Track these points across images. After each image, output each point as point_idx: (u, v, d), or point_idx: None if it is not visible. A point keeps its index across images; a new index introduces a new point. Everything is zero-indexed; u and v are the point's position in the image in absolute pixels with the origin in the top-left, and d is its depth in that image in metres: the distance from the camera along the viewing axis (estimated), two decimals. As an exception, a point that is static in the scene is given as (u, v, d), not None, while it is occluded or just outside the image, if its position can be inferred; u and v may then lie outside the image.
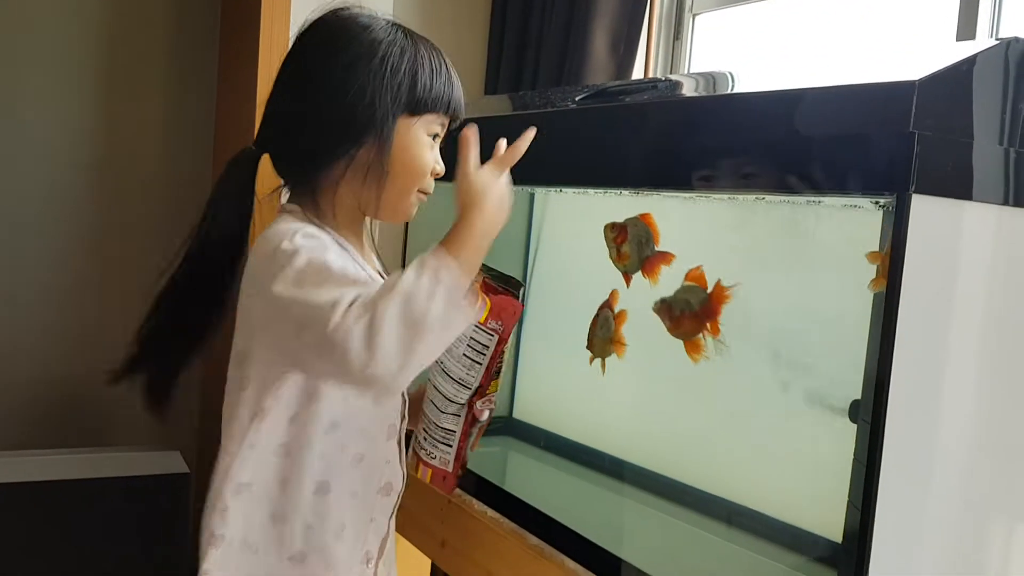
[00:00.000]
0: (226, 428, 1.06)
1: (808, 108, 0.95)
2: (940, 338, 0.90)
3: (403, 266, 0.90)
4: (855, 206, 0.94)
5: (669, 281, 1.15)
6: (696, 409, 1.28)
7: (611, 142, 1.20)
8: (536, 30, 2.08)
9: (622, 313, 1.25)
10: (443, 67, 1.07)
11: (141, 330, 1.07)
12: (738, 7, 1.92)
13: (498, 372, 1.12)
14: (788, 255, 1.12)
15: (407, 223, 1.68)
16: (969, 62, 0.88)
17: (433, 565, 1.72)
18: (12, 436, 2.37)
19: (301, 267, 0.93)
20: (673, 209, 1.20)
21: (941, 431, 0.92)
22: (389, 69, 1.02)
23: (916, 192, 0.83)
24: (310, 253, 0.95)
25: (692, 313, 1.08)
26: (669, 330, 1.12)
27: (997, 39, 0.94)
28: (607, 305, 1.21)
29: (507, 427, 1.64)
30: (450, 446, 1.13)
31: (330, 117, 1.02)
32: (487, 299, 1.08)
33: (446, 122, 1.09)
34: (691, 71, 1.99)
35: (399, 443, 1.12)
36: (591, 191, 1.38)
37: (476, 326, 1.09)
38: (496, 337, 1.09)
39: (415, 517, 1.45)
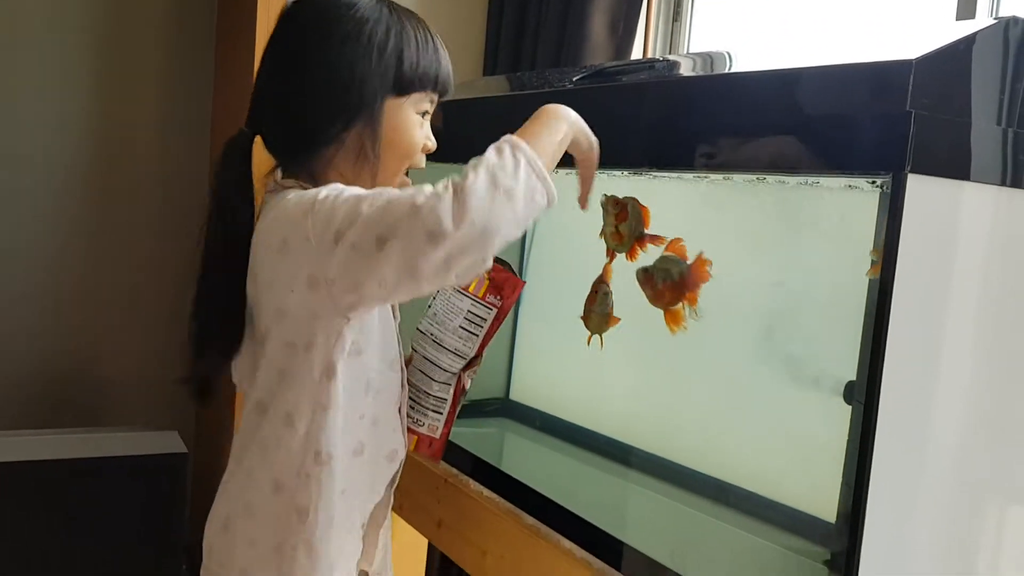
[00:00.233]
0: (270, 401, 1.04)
1: (805, 87, 0.95)
2: (936, 320, 0.90)
3: None
4: (852, 187, 0.94)
5: (646, 260, 1.15)
6: (692, 390, 1.28)
7: (608, 122, 1.20)
8: (535, 11, 2.07)
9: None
10: (429, 42, 1.06)
11: (190, 335, 1.07)
12: (738, -12, 1.91)
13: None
14: (785, 236, 1.12)
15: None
16: (967, 41, 0.87)
17: (429, 545, 1.73)
18: (11, 415, 2.39)
19: (355, 191, 0.92)
20: (667, 190, 1.20)
21: (935, 412, 0.92)
22: (375, 49, 1.01)
23: (912, 172, 0.83)
24: (349, 189, 0.94)
25: (672, 283, 1.08)
26: (650, 299, 1.12)
27: (996, 18, 0.93)
28: (602, 280, 1.21)
29: (503, 408, 1.64)
30: (440, 413, 1.19)
31: (318, 100, 1.02)
32: (487, 275, 1.12)
33: (435, 98, 1.08)
34: (689, 52, 1.98)
35: (399, 411, 1.14)
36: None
37: (475, 300, 1.15)
38: (494, 311, 1.16)
39: (412, 497, 1.45)
